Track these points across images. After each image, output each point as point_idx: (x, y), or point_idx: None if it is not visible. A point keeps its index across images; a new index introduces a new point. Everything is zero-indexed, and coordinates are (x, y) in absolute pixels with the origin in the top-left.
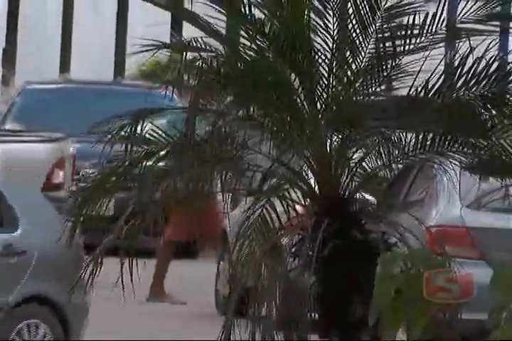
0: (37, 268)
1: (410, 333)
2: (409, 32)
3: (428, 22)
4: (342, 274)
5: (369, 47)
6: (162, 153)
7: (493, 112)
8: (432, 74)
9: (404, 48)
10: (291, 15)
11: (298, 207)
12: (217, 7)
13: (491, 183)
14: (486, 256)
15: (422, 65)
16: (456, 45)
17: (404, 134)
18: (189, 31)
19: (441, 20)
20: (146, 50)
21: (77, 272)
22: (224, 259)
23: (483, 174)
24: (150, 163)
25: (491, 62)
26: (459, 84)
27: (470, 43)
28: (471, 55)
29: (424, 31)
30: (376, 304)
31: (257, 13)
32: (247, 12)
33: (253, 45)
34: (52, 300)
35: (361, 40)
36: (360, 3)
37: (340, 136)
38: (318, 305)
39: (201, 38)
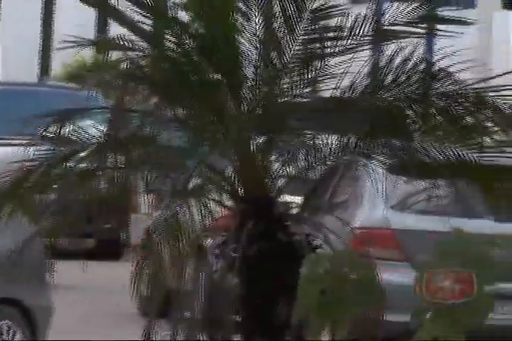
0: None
1: (335, 334)
2: (336, 34)
3: (356, 24)
4: (266, 276)
5: (296, 48)
6: (85, 153)
7: (419, 113)
8: (358, 76)
9: (331, 50)
10: (215, 16)
11: (222, 209)
12: (140, 10)
13: (415, 185)
14: (410, 258)
15: (349, 66)
16: (384, 46)
17: (329, 136)
18: (118, 31)
19: (369, 22)
20: (69, 47)
21: (41, 274)
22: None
23: (407, 176)
24: (73, 163)
25: (416, 63)
26: (384, 85)
27: (397, 45)
28: (397, 57)
29: (352, 33)
30: (301, 305)
31: (183, 14)
32: (172, 13)
33: (178, 46)
34: (21, 302)
35: (287, 41)
36: (286, 4)
37: (265, 138)
38: (242, 306)
39: (127, 36)
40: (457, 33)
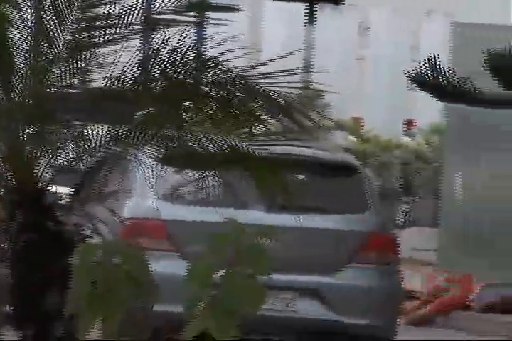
0: None
1: (106, 326)
2: (105, 22)
3: (125, 12)
4: (36, 266)
5: (66, 38)
6: None
7: (190, 103)
8: (128, 66)
9: (101, 39)
10: None
11: None
12: None
13: (186, 175)
14: (181, 248)
15: (120, 56)
16: (153, 36)
17: (99, 126)
18: None
19: (138, 10)
20: None
21: None
22: None
23: (177, 166)
24: None
25: (186, 52)
26: (155, 75)
27: (167, 34)
28: (167, 46)
29: (121, 22)
30: (73, 296)
31: None
32: None
33: None
34: None
35: (58, 30)
36: None
37: (34, 128)
38: (13, 297)
39: None
40: (227, 20)
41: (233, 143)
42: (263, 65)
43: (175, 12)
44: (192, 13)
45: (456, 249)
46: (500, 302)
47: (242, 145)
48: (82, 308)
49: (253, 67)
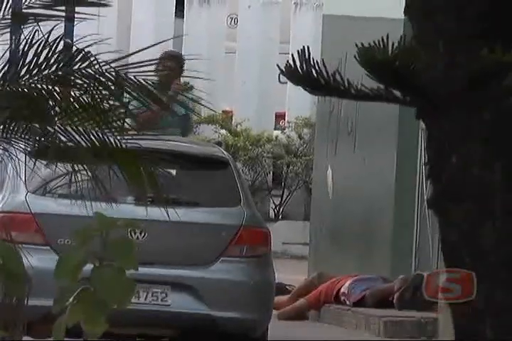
0: None
1: None
2: None
3: None
4: None
5: None
6: None
7: (60, 97)
8: None
9: None
10: None
11: None
12: None
13: (56, 169)
14: (52, 242)
15: None
16: (22, 30)
17: None
18: None
19: (7, 4)
20: None
21: None
22: None
23: (48, 160)
24: None
25: (56, 45)
26: (24, 69)
27: (35, 28)
28: (36, 40)
29: None
30: None
31: None
32: None
33: None
34: None
35: None
36: None
37: None
38: None
39: None
40: (96, 15)
41: (103, 136)
42: (132, 54)
43: (44, 6)
44: (61, 8)
45: (327, 242)
46: (371, 296)
47: (112, 139)
48: None
49: (122, 58)
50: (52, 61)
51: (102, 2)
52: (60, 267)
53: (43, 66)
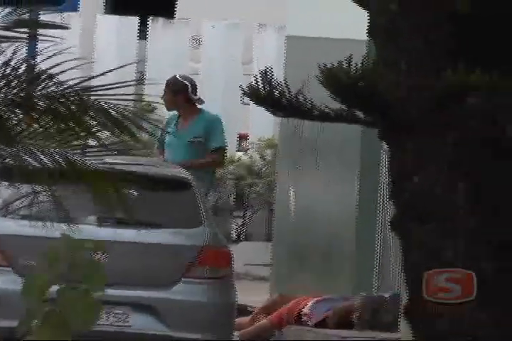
0: None
1: None
2: None
3: None
4: None
5: None
6: None
7: (21, 117)
8: None
9: None
10: None
11: None
12: None
13: (18, 190)
14: (14, 263)
15: None
16: None
17: None
18: None
19: None
20: None
21: None
22: None
23: (9, 180)
24: None
25: (18, 66)
26: None
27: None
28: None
29: None
30: None
31: None
32: None
33: None
34: None
35: None
36: None
37: None
38: None
39: None
40: (58, 37)
41: (68, 156)
42: (95, 77)
43: (5, 28)
44: (22, 29)
45: (289, 263)
46: (333, 314)
47: (76, 159)
48: None
49: (85, 80)
50: (13, 83)
51: (63, 26)
52: (26, 288)
53: (5, 88)
